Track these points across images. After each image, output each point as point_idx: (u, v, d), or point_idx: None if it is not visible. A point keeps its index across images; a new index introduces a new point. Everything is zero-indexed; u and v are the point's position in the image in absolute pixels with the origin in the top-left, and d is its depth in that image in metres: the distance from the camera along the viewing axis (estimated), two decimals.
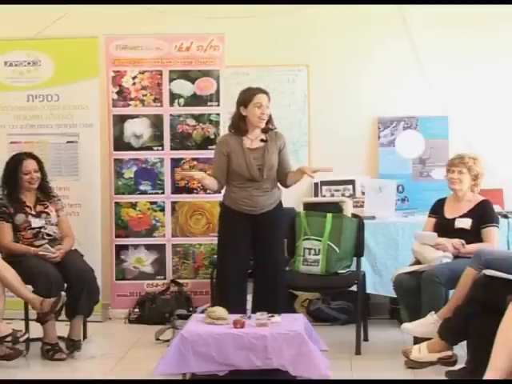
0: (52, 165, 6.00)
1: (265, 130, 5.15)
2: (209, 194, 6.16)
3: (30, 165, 5.40)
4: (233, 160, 5.10)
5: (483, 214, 5.19)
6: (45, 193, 5.51)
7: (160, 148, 6.33)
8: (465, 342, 4.55)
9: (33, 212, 5.39)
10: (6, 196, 5.40)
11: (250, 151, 5.10)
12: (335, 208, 5.50)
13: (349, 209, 5.55)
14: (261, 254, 5.17)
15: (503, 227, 5.59)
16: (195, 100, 6.29)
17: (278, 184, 5.24)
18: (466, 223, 5.17)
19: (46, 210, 5.44)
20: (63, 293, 4.98)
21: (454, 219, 5.23)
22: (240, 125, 5.12)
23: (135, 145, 6.34)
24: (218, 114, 6.29)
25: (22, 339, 4.90)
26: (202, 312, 5.08)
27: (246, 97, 5.08)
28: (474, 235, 5.14)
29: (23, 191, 5.42)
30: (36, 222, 5.37)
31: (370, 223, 5.71)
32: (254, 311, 4.84)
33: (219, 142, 5.27)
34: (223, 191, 5.26)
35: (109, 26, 6.33)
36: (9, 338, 4.84)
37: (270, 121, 5.14)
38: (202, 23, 6.33)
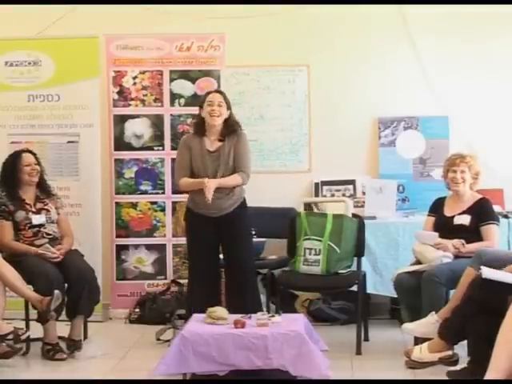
0: (52, 165, 6.00)
1: (227, 132, 5.24)
2: None
3: (28, 158, 5.44)
4: (192, 160, 5.25)
5: (482, 212, 5.19)
6: (44, 190, 5.52)
7: (160, 148, 6.34)
8: (465, 342, 4.55)
9: (33, 209, 5.40)
10: (5, 194, 5.40)
11: (208, 153, 5.23)
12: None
13: (349, 209, 5.55)
14: (227, 256, 5.30)
15: (503, 227, 5.60)
16: (196, 100, 6.28)
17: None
18: (465, 219, 5.18)
19: (46, 207, 5.45)
20: (57, 291, 4.97)
21: (453, 217, 5.24)
22: (199, 125, 5.30)
23: (136, 145, 6.34)
24: None
25: (23, 337, 4.90)
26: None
27: (203, 98, 5.33)
28: (473, 233, 5.14)
29: (23, 187, 5.42)
30: (36, 219, 5.37)
31: (370, 223, 5.71)
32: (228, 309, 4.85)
33: (182, 141, 5.40)
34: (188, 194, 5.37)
35: (109, 25, 6.33)
36: (10, 336, 4.85)
37: (229, 121, 5.25)
38: (203, 23, 6.33)
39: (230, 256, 5.29)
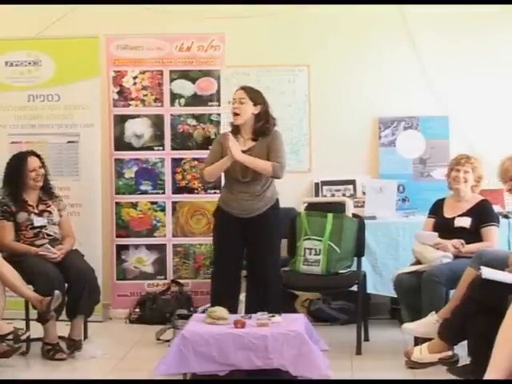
0: (53, 165, 5.98)
1: (259, 130, 5.11)
2: (209, 193, 6.19)
3: (34, 162, 5.43)
4: (223, 157, 5.10)
5: (482, 214, 5.20)
6: (47, 192, 5.52)
7: (161, 148, 6.34)
8: (465, 342, 4.55)
9: (35, 211, 5.40)
10: (8, 195, 5.40)
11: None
12: (336, 208, 5.50)
13: (349, 209, 5.56)
14: (252, 257, 5.18)
15: (503, 227, 5.60)
16: (196, 100, 6.30)
17: (274, 184, 5.22)
18: (465, 222, 5.19)
19: (49, 209, 5.45)
20: (57, 291, 4.98)
21: (453, 218, 5.24)
22: (233, 124, 5.20)
23: (136, 145, 6.34)
24: (219, 114, 6.29)
25: (23, 337, 4.90)
26: (203, 312, 5.08)
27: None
28: (473, 235, 5.14)
29: (27, 190, 5.42)
30: (38, 221, 5.37)
31: (370, 223, 5.71)
32: (246, 313, 4.85)
33: (219, 136, 5.40)
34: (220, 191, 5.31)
35: (109, 25, 6.33)
36: (10, 336, 4.85)
37: (259, 117, 5.09)
38: (203, 23, 6.33)
39: (256, 256, 5.14)
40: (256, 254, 5.14)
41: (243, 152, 5.05)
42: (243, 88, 5.14)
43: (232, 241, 5.14)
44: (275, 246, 5.24)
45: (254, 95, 5.10)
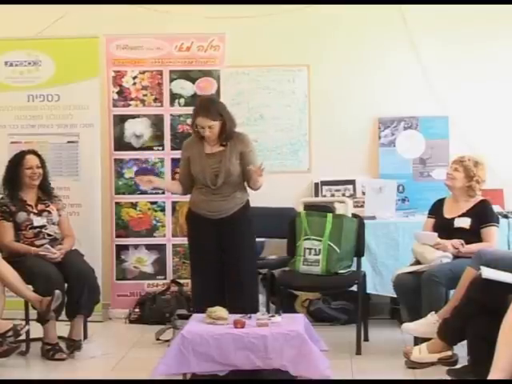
0: (52, 165, 5.98)
1: (226, 138, 5.14)
2: None
3: (31, 160, 5.42)
4: (191, 165, 5.20)
5: (482, 214, 5.19)
6: (46, 192, 5.51)
7: (160, 148, 6.34)
8: (465, 342, 4.55)
9: (34, 210, 5.40)
10: (7, 195, 5.40)
11: (208, 156, 5.17)
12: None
13: (349, 209, 5.56)
14: (225, 257, 5.24)
15: (503, 227, 5.60)
16: (195, 100, 6.28)
17: (246, 186, 5.26)
18: (465, 222, 5.18)
19: (48, 209, 5.45)
20: (57, 291, 4.98)
21: (453, 219, 5.23)
22: (197, 132, 5.18)
23: (135, 145, 6.34)
24: None
25: (22, 331, 4.91)
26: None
27: (192, 116, 5.17)
28: (473, 235, 5.14)
29: (25, 189, 5.42)
30: (38, 221, 5.37)
31: (370, 223, 5.72)
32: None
33: (183, 146, 5.36)
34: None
35: (109, 25, 6.33)
36: (10, 333, 4.85)
37: (224, 131, 5.10)
38: (203, 23, 6.33)
39: (230, 257, 5.23)
40: (229, 254, 5.22)
41: (211, 156, 5.13)
42: (205, 112, 5.04)
43: (206, 242, 5.21)
44: (248, 245, 5.31)
45: (215, 113, 5.05)
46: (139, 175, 5.73)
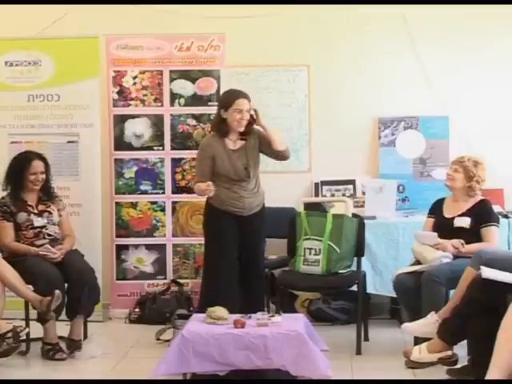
0: (52, 165, 5.95)
1: (246, 131, 5.21)
2: None
3: (38, 166, 5.42)
4: (217, 163, 5.20)
5: (482, 213, 5.19)
6: (47, 193, 5.51)
7: (160, 148, 6.34)
8: (465, 342, 4.55)
9: (35, 211, 5.41)
10: (8, 194, 5.41)
11: (232, 152, 5.20)
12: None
13: (349, 209, 5.55)
14: (244, 255, 5.25)
15: (503, 227, 5.60)
16: (196, 100, 6.30)
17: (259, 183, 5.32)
18: (465, 222, 5.17)
19: (49, 209, 5.46)
20: (57, 291, 4.98)
21: (452, 218, 5.23)
22: (221, 127, 5.21)
23: (136, 145, 6.35)
24: None
25: (22, 334, 4.91)
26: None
27: (228, 101, 5.18)
28: (473, 234, 5.13)
29: (26, 191, 5.43)
30: (38, 221, 5.37)
31: (370, 223, 5.72)
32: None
33: (203, 146, 5.33)
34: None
35: (109, 26, 6.33)
36: (9, 335, 4.85)
37: (251, 123, 5.19)
38: (203, 23, 6.33)
39: (248, 256, 5.25)
40: (248, 254, 5.25)
41: (234, 151, 5.18)
42: (247, 97, 5.19)
43: (230, 240, 5.22)
44: (263, 245, 5.43)
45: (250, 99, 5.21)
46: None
